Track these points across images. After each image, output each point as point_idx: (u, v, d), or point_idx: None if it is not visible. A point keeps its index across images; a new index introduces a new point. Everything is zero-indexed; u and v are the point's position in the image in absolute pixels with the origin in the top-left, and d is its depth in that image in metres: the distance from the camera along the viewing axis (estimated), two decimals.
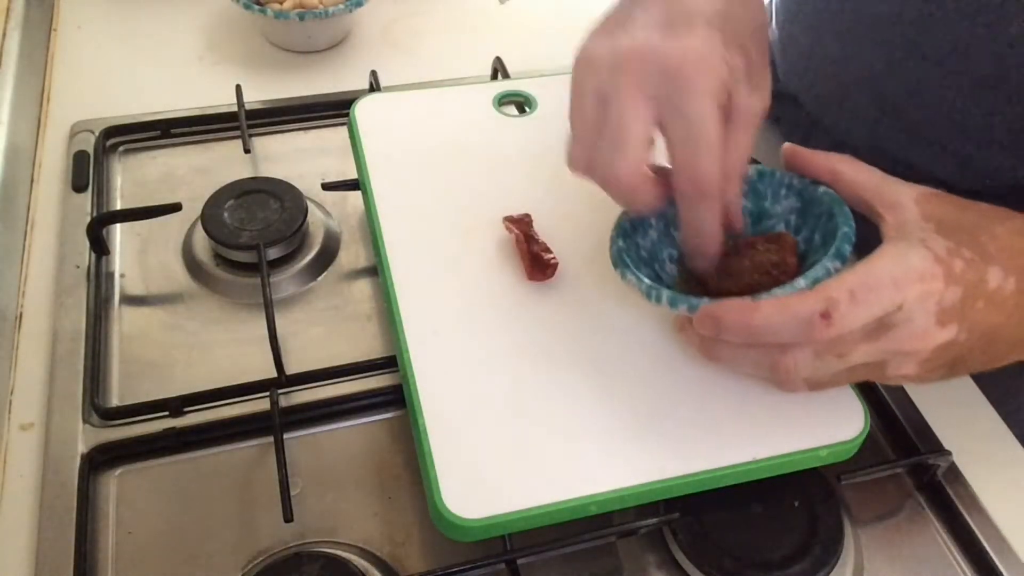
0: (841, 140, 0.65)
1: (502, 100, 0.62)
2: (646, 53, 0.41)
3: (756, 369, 0.43)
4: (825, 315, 0.39)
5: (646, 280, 0.45)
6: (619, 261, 0.46)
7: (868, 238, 0.44)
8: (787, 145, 0.49)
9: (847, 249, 0.44)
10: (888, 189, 0.45)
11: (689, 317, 0.44)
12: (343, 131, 0.71)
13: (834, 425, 0.46)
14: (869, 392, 0.55)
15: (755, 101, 0.44)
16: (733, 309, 0.41)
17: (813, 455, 0.45)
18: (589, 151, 0.44)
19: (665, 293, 0.44)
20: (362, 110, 0.60)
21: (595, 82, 0.43)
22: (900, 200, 0.44)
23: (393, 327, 0.48)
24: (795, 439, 0.45)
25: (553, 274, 0.50)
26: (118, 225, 0.63)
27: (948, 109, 0.56)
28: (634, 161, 0.42)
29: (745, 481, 0.45)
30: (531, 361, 0.47)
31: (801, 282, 0.42)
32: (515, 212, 0.53)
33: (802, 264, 0.47)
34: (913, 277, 0.40)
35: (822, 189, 0.47)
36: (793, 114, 0.70)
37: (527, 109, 0.62)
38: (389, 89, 0.67)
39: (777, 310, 0.40)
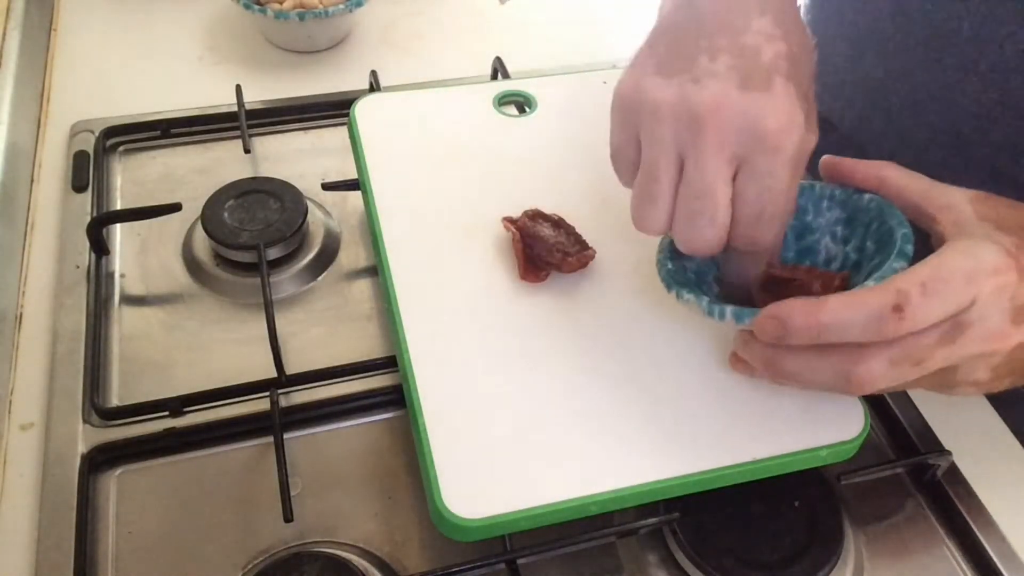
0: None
1: (502, 100, 0.62)
2: (727, 109, 0.39)
3: (829, 382, 0.41)
4: (897, 308, 0.37)
5: (705, 297, 0.43)
6: (672, 282, 0.45)
7: (918, 248, 0.43)
8: (827, 157, 0.47)
9: (910, 248, 0.42)
10: (938, 192, 0.44)
11: (746, 338, 0.43)
12: (343, 131, 0.71)
13: (834, 425, 0.46)
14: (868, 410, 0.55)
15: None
16: (798, 307, 0.39)
17: (813, 455, 0.45)
18: (666, 211, 0.42)
19: (728, 309, 0.42)
20: (362, 110, 0.60)
21: (665, 134, 0.40)
22: (952, 201, 0.43)
23: (393, 327, 0.48)
24: (795, 439, 0.45)
25: (546, 277, 0.50)
26: (118, 225, 0.63)
27: (1007, 132, 0.54)
28: (724, 227, 0.41)
29: (745, 481, 0.45)
30: (531, 361, 0.47)
31: (870, 283, 0.40)
32: (515, 212, 0.53)
33: (857, 272, 0.46)
34: (987, 270, 0.38)
35: (868, 196, 0.46)
36: (821, 138, 0.69)
37: (527, 109, 0.62)
38: (389, 89, 0.67)
39: (845, 305, 0.38)
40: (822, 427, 0.46)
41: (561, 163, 0.56)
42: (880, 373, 0.39)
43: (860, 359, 0.39)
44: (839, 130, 0.67)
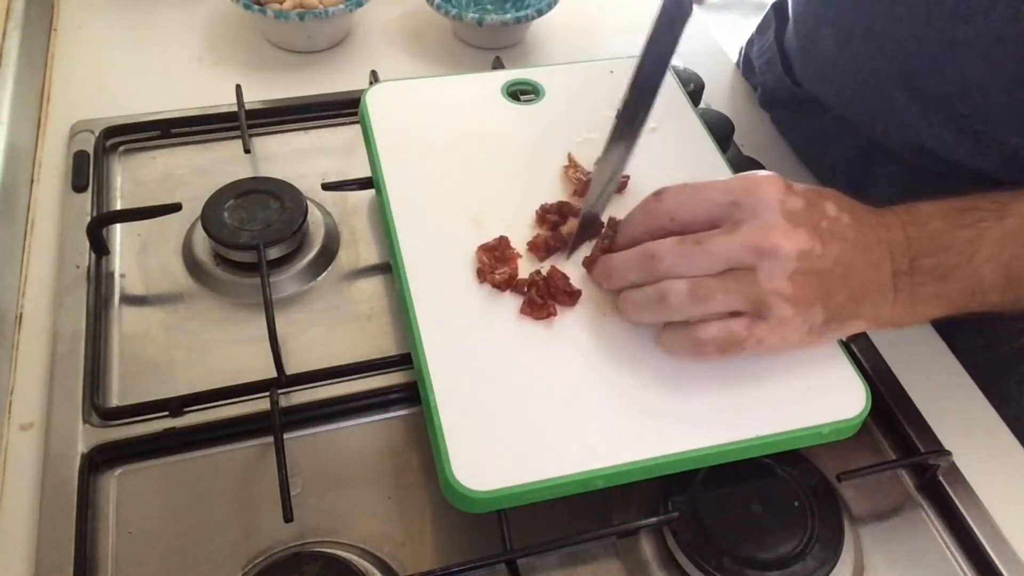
0: (876, 141, 0.65)
1: (510, 90, 0.62)
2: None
3: (646, 291, 0.46)
4: (656, 194, 0.46)
5: None
6: None
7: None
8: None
9: None
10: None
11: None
12: (343, 131, 0.71)
13: (836, 403, 0.47)
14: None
15: None
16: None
17: (815, 432, 0.45)
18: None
19: None
20: (373, 99, 0.60)
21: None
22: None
23: (404, 309, 0.48)
24: (797, 416, 0.46)
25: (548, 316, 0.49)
26: (118, 225, 0.63)
27: (994, 99, 0.55)
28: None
29: (748, 457, 0.45)
30: (539, 340, 0.48)
31: None
32: (525, 200, 0.53)
33: None
34: (749, 181, 0.44)
35: None
36: (812, 120, 0.70)
37: (535, 99, 0.62)
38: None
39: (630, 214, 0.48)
40: (824, 405, 0.46)
41: (568, 150, 0.57)
42: (671, 253, 0.44)
43: (655, 245, 0.45)
44: (832, 111, 0.68)
